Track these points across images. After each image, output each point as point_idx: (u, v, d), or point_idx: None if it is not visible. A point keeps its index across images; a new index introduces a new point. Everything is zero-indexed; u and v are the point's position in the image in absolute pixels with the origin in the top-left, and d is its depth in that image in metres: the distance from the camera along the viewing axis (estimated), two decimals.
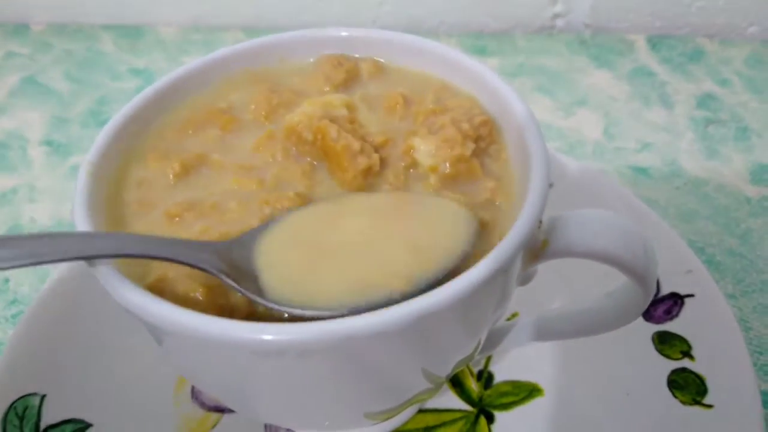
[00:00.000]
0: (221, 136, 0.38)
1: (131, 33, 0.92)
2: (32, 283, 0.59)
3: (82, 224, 0.31)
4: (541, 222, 0.32)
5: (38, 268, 0.60)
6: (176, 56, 0.87)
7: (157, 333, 0.31)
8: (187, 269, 0.31)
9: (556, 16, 0.87)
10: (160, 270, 0.32)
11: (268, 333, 0.27)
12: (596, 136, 0.71)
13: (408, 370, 0.32)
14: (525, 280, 0.35)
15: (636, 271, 0.32)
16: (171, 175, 0.35)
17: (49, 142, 0.74)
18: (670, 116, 0.73)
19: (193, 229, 0.33)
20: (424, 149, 0.36)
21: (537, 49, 0.84)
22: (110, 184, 0.35)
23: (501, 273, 0.29)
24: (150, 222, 0.34)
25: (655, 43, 0.84)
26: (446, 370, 0.34)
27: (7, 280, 0.59)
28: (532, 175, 0.32)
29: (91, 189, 0.33)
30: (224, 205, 0.34)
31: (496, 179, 0.36)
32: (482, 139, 0.37)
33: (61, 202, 0.67)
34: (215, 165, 0.36)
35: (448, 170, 0.35)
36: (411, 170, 0.36)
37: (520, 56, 0.83)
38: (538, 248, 0.32)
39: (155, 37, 0.91)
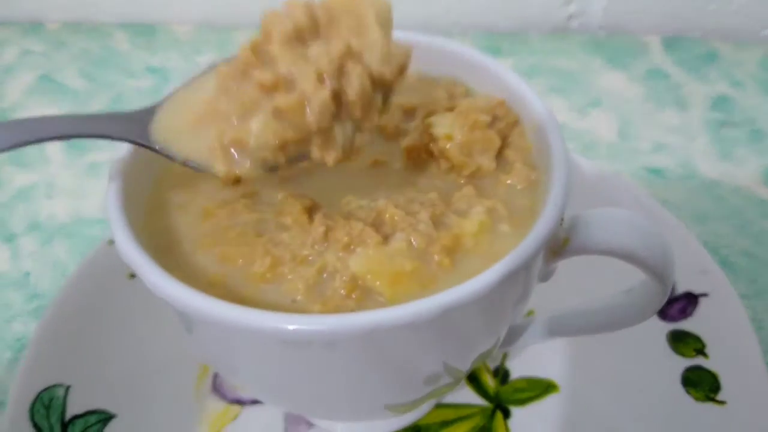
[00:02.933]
0: None
1: (145, 31, 0.92)
2: (53, 277, 0.60)
3: (118, 221, 0.32)
4: (562, 220, 0.32)
5: (59, 264, 0.61)
6: (190, 55, 0.88)
7: (187, 321, 0.31)
8: None
9: (571, 16, 0.87)
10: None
11: (296, 323, 0.27)
12: (611, 137, 0.71)
13: (430, 363, 0.33)
14: (546, 276, 0.36)
15: (655, 269, 0.33)
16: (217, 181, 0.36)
17: None
18: (685, 118, 0.73)
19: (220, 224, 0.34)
20: (440, 122, 0.37)
21: (551, 50, 0.85)
22: (148, 183, 0.36)
23: (524, 269, 0.30)
24: (189, 222, 0.35)
25: (669, 44, 0.84)
26: (467, 364, 0.35)
27: (27, 274, 0.60)
28: (553, 174, 0.33)
29: (124, 186, 0.34)
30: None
31: (522, 168, 0.36)
32: (499, 119, 0.38)
33: (78, 199, 0.68)
34: None
35: (463, 137, 0.36)
36: (431, 144, 0.37)
37: (534, 57, 0.84)
38: (559, 245, 0.33)
39: (169, 35, 0.92)
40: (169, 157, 0.33)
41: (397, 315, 0.27)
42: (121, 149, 0.36)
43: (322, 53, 0.31)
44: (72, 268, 0.60)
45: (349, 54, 0.32)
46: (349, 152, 0.33)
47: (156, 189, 0.37)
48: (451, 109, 0.38)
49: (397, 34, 0.43)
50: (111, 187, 0.34)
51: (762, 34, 0.85)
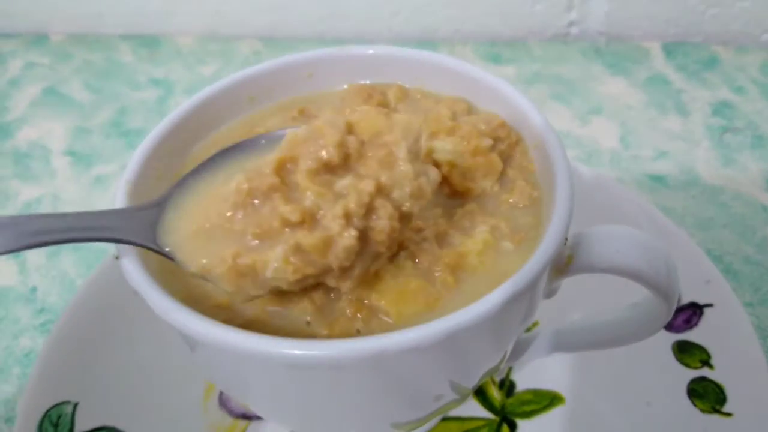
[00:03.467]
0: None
1: (149, 43, 0.93)
2: (60, 293, 0.60)
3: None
4: (566, 239, 0.32)
5: (65, 278, 0.61)
6: (194, 66, 0.89)
7: (192, 344, 0.32)
8: None
9: (571, 23, 0.87)
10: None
11: (302, 349, 0.28)
12: (613, 145, 0.71)
13: (436, 383, 0.33)
14: (550, 293, 0.36)
15: (658, 287, 0.33)
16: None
17: (71, 152, 0.76)
18: (686, 124, 0.74)
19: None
20: (442, 147, 0.37)
21: (552, 57, 0.85)
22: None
23: (529, 289, 0.30)
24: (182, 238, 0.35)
25: (670, 50, 0.84)
26: (473, 381, 0.35)
27: (34, 289, 0.61)
28: (556, 192, 0.33)
29: (131, 205, 0.34)
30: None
31: (525, 186, 0.37)
32: (500, 140, 0.38)
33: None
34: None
35: (466, 163, 0.36)
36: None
37: (535, 64, 0.84)
38: (563, 264, 0.33)
39: (173, 46, 0.92)
40: (176, 262, 0.32)
41: (403, 339, 0.27)
42: (128, 165, 0.37)
43: (351, 190, 0.30)
44: (79, 282, 0.60)
45: (379, 191, 0.30)
46: (364, 276, 0.32)
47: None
48: (453, 130, 0.38)
49: (401, 50, 0.43)
50: (118, 206, 0.34)
51: (763, 38, 0.85)
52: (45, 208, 0.69)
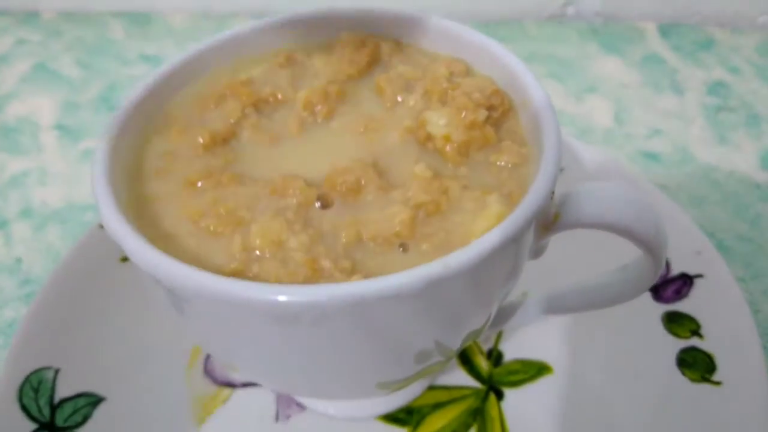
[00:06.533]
0: (243, 109, 0.38)
1: (141, 20, 0.92)
2: (44, 264, 0.60)
3: (102, 192, 0.32)
4: (553, 194, 0.32)
5: (51, 250, 0.60)
6: (186, 43, 0.88)
7: (175, 297, 0.31)
8: None
9: (567, 3, 0.87)
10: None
11: (283, 294, 0.27)
12: (607, 123, 0.71)
13: (420, 339, 0.32)
14: (537, 253, 0.35)
15: (647, 241, 0.32)
16: (197, 147, 0.36)
17: (60, 127, 0.75)
18: (681, 103, 0.73)
19: (206, 197, 0.33)
20: (437, 120, 0.36)
21: (548, 37, 0.84)
22: (130, 155, 0.36)
23: (513, 242, 0.29)
24: (169, 189, 0.34)
25: (665, 31, 0.84)
26: (457, 341, 0.35)
27: (19, 261, 0.60)
28: (545, 149, 0.33)
29: (110, 160, 0.34)
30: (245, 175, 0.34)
31: (513, 146, 0.36)
32: (494, 109, 0.37)
33: (72, 186, 0.67)
34: (241, 138, 0.37)
35: (461, 137, 0.35)
36: (428, 144, 0.36)
37: (531, 44, 0.83)
38: (550, 220, 0.33)
39: (165, 24, 0.91)
40: None
41: (382, 286, 0.26)
42: (110, 120, 0.36)
43: None
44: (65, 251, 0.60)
45: None
46: None
47: (138, 161, 0.36)
48: (446, 95, 0.37)
49: (402, 13, 0.43)
50: (96, 164, 0.34)
51: (759, 20, 0.85)
52: (32, 182, 0.68)
